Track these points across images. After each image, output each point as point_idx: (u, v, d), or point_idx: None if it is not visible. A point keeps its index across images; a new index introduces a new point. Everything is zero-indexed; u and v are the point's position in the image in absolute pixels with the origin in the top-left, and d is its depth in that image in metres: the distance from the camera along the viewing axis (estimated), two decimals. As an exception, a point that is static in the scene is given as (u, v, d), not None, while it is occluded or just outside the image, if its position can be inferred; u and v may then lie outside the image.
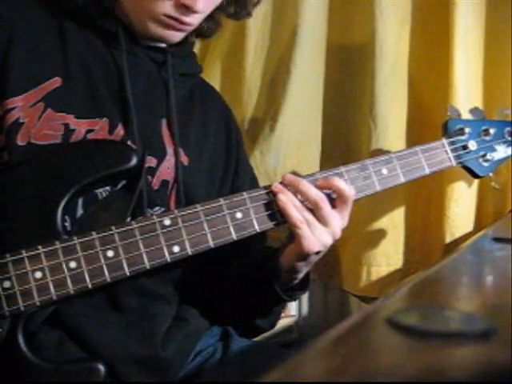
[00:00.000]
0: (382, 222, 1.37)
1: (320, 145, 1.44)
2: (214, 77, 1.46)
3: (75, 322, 0.89)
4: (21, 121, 0.89)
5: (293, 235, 0.92)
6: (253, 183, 1.13)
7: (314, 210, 0.91)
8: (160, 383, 0.92)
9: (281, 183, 0.94)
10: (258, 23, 1.26)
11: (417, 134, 1.37)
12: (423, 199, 1.39)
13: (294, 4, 1.39)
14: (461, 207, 1.32)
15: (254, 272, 1.01)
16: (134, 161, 0.89)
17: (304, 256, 0.92)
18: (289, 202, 0.91)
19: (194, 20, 0.96)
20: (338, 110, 1.46)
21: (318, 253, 0.92)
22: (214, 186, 1.05)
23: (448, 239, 1.32)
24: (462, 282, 0.84)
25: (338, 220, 0.93)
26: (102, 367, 0.85)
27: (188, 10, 0.92)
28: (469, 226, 1.34)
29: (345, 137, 1.45)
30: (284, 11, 1.42)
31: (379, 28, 1.34)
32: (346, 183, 0.95)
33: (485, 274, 0.86)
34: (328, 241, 0.92)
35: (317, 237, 0.91)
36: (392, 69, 1.35)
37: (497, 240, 1.03)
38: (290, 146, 1.41)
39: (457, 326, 0.57)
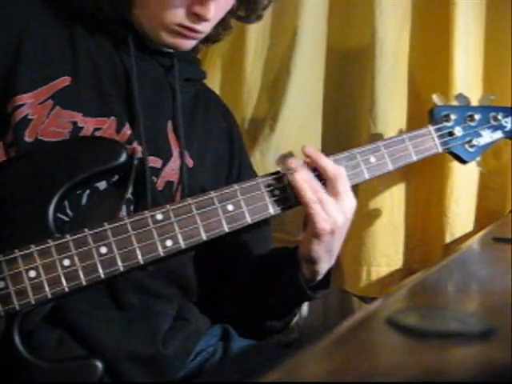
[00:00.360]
0: (382, 223, 1.37)
1: (320, 145, 1.44)
2: (214, 77, 1.46)
3: (77, 320, 0.89)
4: (29, 117, 0.89)
5: (306, 223, 0.93)
6: None
7: (331, 182, 0.94)
8: (160, 383, 0.92)
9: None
10: (258, 23, 1.26)
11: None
12: (423, 199, 1.39)
13: (294, 4, 1.39)
14: (461, 207, 1.32)
15: (276, 269, 1.02)
16: (123, 157, 0.89)
17: (317, 235, 0.93)
18: (304, 182, 0.92)
19: (205, 28, 0.98)
20: (338, 109, 1.46)
21: (332, 234, 0.93)
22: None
23: (448, 239, 1.32)
24: (462, 282, 0.84)
25: (350, 199, 0.95)
26: (99, 364, 0.85)
27: (199, 18, 0.93)
28: (469, 226, 1.34)
29: (345, 137, 1.45)
30: (284, 11, 1.42)
31: (379, 28, 1.34)
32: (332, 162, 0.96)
33: (485, 274, 0.86)
34: (339, 218, 0.93)
35: (327, 212, 0.92)
36: (392, 69, 1.35)
37: (497, 240, 1.03)
38: (290, 145, 1.41)
39: (457, 327, 0.57)
